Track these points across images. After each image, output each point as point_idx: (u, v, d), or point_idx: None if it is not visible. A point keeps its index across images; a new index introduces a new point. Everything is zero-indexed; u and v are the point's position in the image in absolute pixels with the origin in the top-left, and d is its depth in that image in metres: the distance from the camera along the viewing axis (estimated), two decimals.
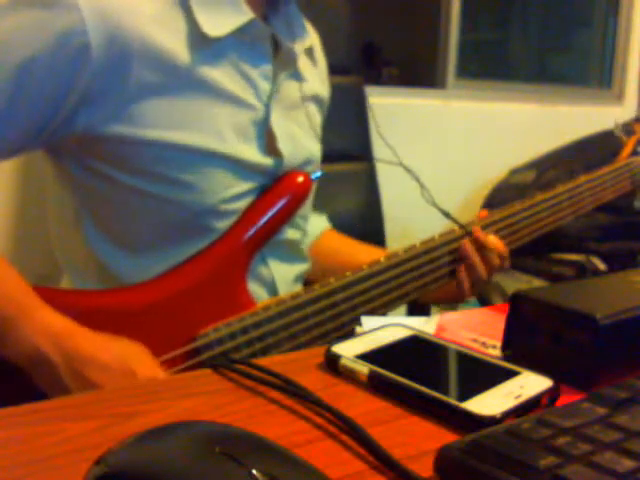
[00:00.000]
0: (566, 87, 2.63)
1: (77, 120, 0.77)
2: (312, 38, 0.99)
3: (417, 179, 0.88)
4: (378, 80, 2.64)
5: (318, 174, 0.92)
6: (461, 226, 0.93)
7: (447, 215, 0.91)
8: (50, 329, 0.71)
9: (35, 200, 1.15)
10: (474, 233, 0.94)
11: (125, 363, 0.71)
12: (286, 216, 0.87)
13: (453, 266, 0.93)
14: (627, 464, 0.33)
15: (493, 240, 0.94)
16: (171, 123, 0.79)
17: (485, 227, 0.96)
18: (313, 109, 0.97)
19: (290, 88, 0.91)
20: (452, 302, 1.03)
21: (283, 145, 0.88)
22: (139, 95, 0.77)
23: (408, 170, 0.89)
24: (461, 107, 2.14)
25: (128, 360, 0.72)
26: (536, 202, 1.02)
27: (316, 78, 0.98)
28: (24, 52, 0.74)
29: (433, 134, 2.04)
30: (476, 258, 0.93)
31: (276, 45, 0.89)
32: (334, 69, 1.10)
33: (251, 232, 0.85)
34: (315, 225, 1.08)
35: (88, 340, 0.72)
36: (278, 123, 0.88)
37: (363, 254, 0.99)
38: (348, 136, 1.45)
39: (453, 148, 2.07)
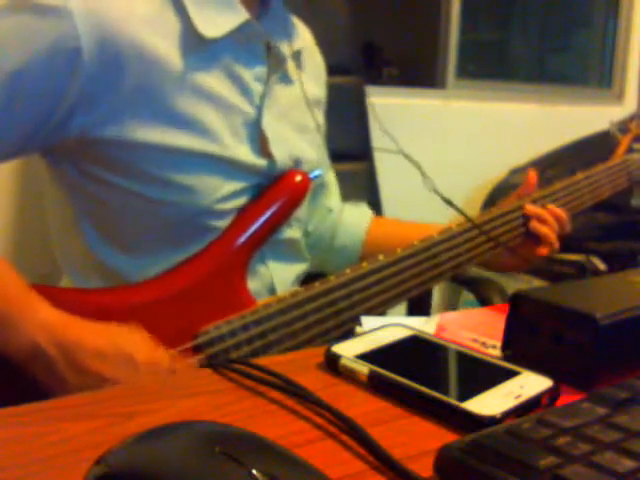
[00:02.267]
0: (566, 87, 2.63)
1: (71, 124, 0.77)
2: (303, 40, 0.98)
3: (418, 167, 0.88)
4: (378, 80, 2.64)
5: (317, 173, 0.91)
6: (464, 214, 0.92)
7: (449, 203, 0.90)
8: (45, 322, 0.71)
9: (35, 200, 1.15)
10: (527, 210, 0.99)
11: (121, 348, 0.71)
12: (284, 216, 0.87)
13: (455, 262, 0.93)
14: (627, 464, 0.33)
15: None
16: (164, 126, 0.79)
17: (485, 223, 0.96)
18: (310, 110, 0.96)
19: (282, 90, 0.91)
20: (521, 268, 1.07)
21: (274, 148, 0.87)
22: (132, 98, 0.77)
23: (408, 157, 0.88)
24: (461, 107, 2.14)
25: (124, 344, 0.72)
26: (533, 200, 1.02)
27: (305, 80, 0.97)
28: (17, 58, 0.74)
29: (433, 134, 2.03)
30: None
31: (267, 47, 0.89)
32: (334, 69, 1.10)
33: (249, 232, 0.85)
34: (356, 224, 1.09)
35: (81, 329, 0.72)
36: (270, 125, 0.88)
37: (414, 231, 0.99)
38: (348, 136, 1.45)
39: (453, 148, 2.07)
